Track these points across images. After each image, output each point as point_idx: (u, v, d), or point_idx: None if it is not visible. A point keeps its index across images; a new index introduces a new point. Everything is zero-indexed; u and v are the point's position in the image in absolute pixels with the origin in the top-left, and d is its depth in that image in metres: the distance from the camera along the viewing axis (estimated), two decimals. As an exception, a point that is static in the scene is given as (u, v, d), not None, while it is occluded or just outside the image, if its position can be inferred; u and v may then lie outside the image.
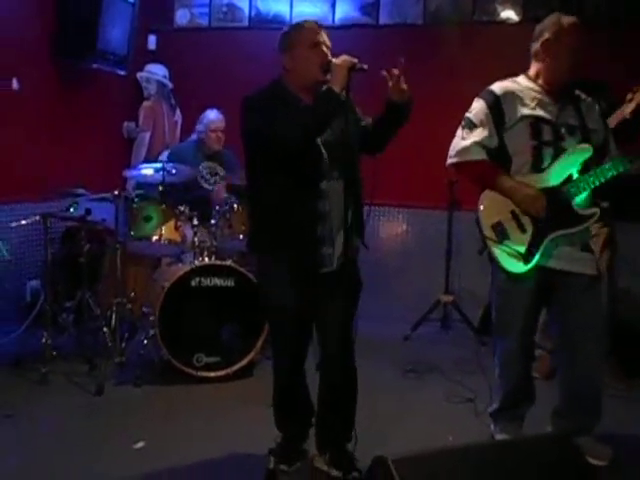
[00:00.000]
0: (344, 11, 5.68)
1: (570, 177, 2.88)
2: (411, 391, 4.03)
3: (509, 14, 5.34)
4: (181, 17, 6.17)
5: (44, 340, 4.03)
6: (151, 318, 4.11)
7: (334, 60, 2.63)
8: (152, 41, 6.14)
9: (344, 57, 2.62)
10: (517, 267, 2.91)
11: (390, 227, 5.68)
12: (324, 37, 2.74)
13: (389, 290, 5.40)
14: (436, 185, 5.07)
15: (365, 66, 2.62)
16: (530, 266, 2.88)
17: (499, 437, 3.11)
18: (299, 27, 2.78)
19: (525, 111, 2.90)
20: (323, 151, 2.70)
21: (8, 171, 4.74)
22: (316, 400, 3.00)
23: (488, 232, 2.95)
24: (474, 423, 3.45)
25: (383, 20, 5.60)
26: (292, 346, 2.89)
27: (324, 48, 2.71)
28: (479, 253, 3.05)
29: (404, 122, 2.78)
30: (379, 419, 3.47)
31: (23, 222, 4.21)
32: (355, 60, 2.61)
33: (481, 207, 3.00)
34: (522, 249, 2.89)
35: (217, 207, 4.32)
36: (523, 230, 2.91)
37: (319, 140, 2.67)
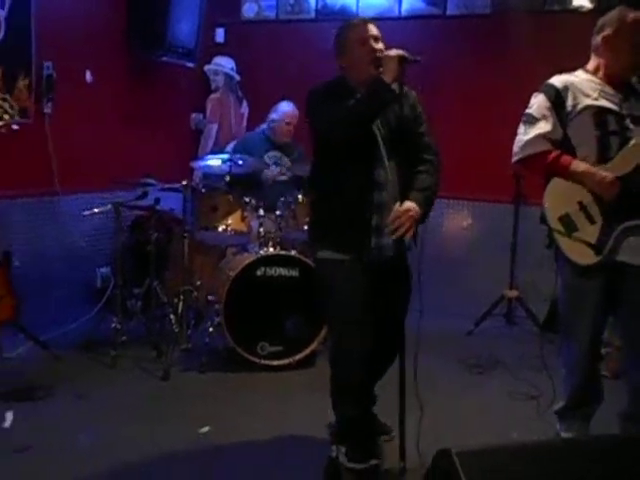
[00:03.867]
0: (410, 2, 5.63)
1: (638, 167, 2.80)
2: (474, 387, 4.00)
3: (582, 1, 5.19)
4: (248, 10, 6.23)
5: (114, 325, 4.18)
6: (216, 306, 4.19)
7: (384, 53, 2.67)
8: (220, 34, 6.24)
9: (394, 50, 2.65)
10: (587, 259, 2.83)
11: (454, 220, 5.62)
12: (373, 31, 2.78)
13: (452, 284, 5.34)
14: (502, 178, 4.98)
15: (418, 58, 2.63)
16: (601, 257, 2.81)
17: (564, 436, 3.05)
18: (347, 26, 2.86)
19: (588, 101, 2.83)
20: (379, 141, 2.74)
21: (81, 161, 4.90)
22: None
23: (555, 224, 2.89)
24: (537, 421, 3.40)
25: (450, 11, 5.52)
26: (356, 335, 2.83)
27: (372, 42, 2.75)
28: (547, 247, 2.99)
29: None
30: (441, 414, 3.44)
31: (95, 211, 4.35)
32: (404, 52, 2.62)
33: (547, 199, 2.94)
34: (592, 240, 2.82)
35: (282, 198, 4.37)
36: (592, 221, 2.84)
37: (376, 131, 2.72)
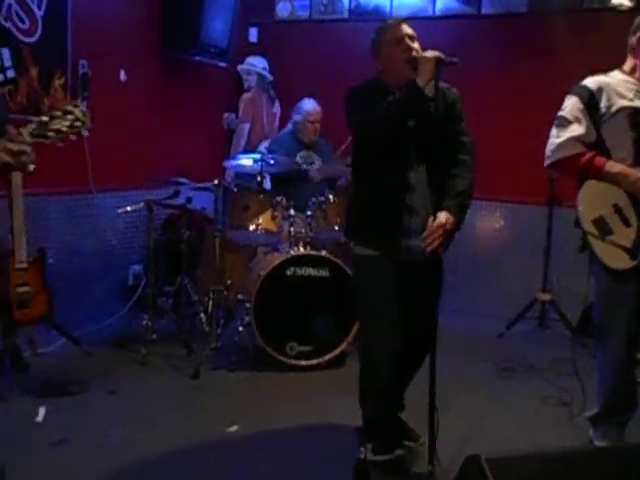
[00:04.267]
0: (444, 2, 5.58)
1: None
2: (504, 391, 3.95)
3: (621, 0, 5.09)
4: (282, 10, 6.24)
5: (145, 323, 4.22)
6: (246, 305, 4.20)
7: (419, 54, 2.65)
8: (253, 34, 6.26)
9: (430, 51, 2.63)
10: (622, 263, 2.78)
11: (487, 222, 5.56)
12: (407, 30, 2.77)
13: (484, 286, 5.29)
14: (536, 180, 4.91)
15: (455, 59, 2.61)
16: (636, 262, 2.75)
17: (598, 443, 3.00)
18: (382, 28, 2.85)
19: (624, 103, 2.79)
20: (411, 143, 2.74)
21: (115, 159, 4.95)
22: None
23: (589, 227, 2.84)
24: (569, 427, 3.35)
25: (485, 10, 5.46)
26: (387, 333, 2.81)
27: (408, 41, 2.74)
28: (580, 250, 2.94)
29: None
30: (470, 418, 3.42)
31: (128, 209, 4.40)
32: (440, 54, 2.60)
33: (581, 202, 2.89)
34: (627, 244, 2.77)
35: (313, 198, 4.37)
36: (628, 224, 2.79)
37: (408, 133, 2.71)
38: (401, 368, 2.89)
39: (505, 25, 5.35)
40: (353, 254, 2.96)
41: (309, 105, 4.82)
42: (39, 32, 4.33)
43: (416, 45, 2.76)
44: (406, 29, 2.78)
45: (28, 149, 2.20)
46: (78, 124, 2.20)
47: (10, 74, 4.18)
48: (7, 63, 4.16)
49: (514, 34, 5.26)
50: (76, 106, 2.20)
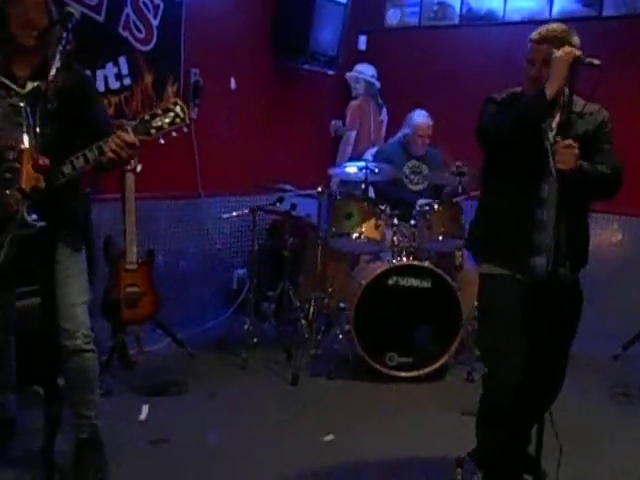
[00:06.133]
0: (562, 4, 5.34)
1: None
2: (619, 417, 3.69)
3: None
4: (392, 17, 6.18)
5: (246, 327, 4.26)
6: (347, 313, 4.16)
7: (554, 53, 2.41)
8: (362, 41, 6.23)
9: (566, 49, 2.40)
10: None
11: (604, 235, 5.25)
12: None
13: (600, 303, 4.94)
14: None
15: (596, 61, 2.37)
16: None
17: None
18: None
19: None
20: (549, 155, 2.52)
21: (223, 165, 5.05)
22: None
23: None
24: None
25: (607, 11, 5.17)
26: (504, 357, 2.63)
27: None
28: None
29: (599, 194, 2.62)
30: (581, 446, 3.16)
31: (234, 214, 4.48)
32: (578, 53, 2.38)
33: None
34: None
35: (417, 208, 4.27)
36: None
37: (546, 143, 2.52)
38: (527, 398, 2.63)
39: (630, 27, 5.03)
40: (479, 272, 2.78)
41: (420, 118, 4.73)
42: (154, 41, 4.48)
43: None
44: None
45: (135, 140, 2.27)
46: (178, 120, 2.25)
47: (127, 81, 4.36)
48: (124, 71, 4.33)
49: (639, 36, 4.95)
50: (176, 103, 2.25)
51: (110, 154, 2.32)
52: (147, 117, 2.24)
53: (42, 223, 2.46)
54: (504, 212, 2.64)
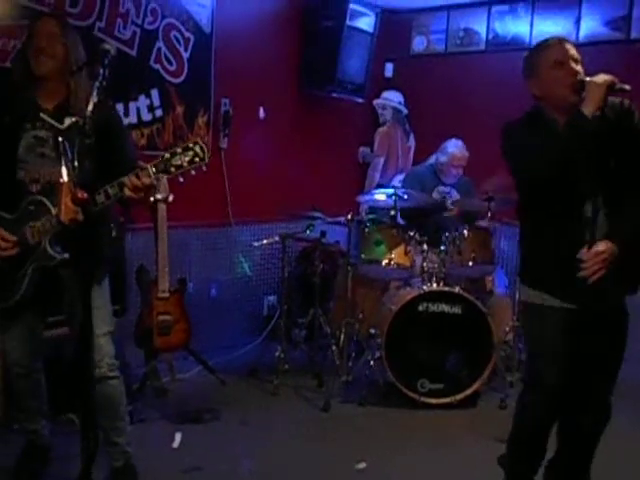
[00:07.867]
0: (590, 27, 5.33)
1: None
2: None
3: None
4: (418, 44, 6.23)
5: (278, 354, 4.27)
6: (378, 340, 4.15)
7: (590, 78, 2.40)
8: (389, 69, 6.29)
9: (602, 75, 2.38)
10: None
11: None
12: (572, 52, 2.50)
13: None
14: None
15: (627, 86, 2.37)
16: None
17: None
18: (540, 47, 2.60)
19: None
20: (582, 174, 2.43)
21: (253, 193, 5.10)
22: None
23: None
24: None
25: (636, 34, 5.15)
26: (556, 368, 2.55)
27: (572, 64, 2.47)
28: None
29: None
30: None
31: (264, 242, 4.52)
32: (614, 78, 2.37)
33: None
34: None
35: (447, 233, 4.27)
36: None
37: (582, 165, 2.43)
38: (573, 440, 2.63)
39: (657, 50, 5.02)
40: (522, 301, 2.73)
41: (456, 149, 4.75)
42: (185, 73, 4.58)
43: (580, 68, 2.49)
44: (570, 49, 2.52)
45: (153, 182, 2.32)
46: (197, 160, 2.29)
47: (158, 113, 4.45)
48: (156, 103, 4.43)
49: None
50: (196, 143, 2.29)
51: (128, 192, 2.36)
52: (167, 155, 2.29)
53: (65, 255, 2.53)
54: (548, 237, 2.53)
